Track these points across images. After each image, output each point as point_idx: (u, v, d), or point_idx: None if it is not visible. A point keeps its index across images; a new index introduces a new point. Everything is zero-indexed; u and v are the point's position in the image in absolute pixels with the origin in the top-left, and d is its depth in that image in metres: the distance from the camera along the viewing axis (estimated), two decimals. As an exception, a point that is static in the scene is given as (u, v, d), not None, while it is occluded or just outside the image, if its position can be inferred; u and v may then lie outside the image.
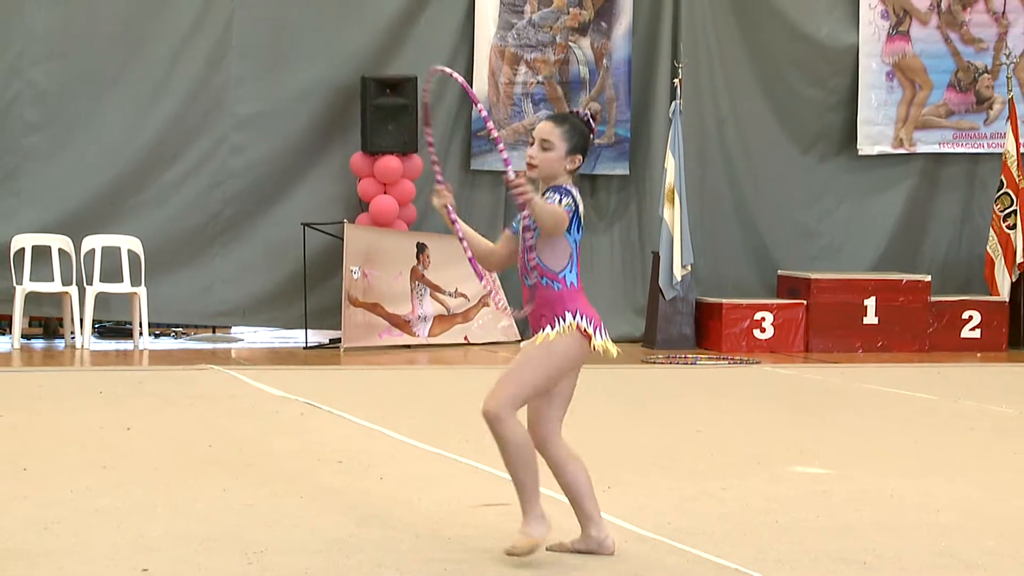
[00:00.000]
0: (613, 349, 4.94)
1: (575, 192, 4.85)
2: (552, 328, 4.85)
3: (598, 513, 4.92)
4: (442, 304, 12.95)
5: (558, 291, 4.87)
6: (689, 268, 12.82)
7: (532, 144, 4.91)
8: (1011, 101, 13.75)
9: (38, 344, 12.76)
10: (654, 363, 11.84)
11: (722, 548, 5.08)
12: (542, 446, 4.90)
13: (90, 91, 12.67)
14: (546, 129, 4.89)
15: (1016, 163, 13.46)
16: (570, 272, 4.87)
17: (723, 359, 12.20)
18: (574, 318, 4.84)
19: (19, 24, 12.55)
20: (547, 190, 4.86)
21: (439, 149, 13.38)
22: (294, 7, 13.05)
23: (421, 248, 12.89)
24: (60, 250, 12.46)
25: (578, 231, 4.86)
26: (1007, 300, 13.37)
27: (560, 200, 4.78)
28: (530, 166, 4.89)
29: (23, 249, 12.34)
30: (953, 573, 4.83)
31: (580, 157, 4.88)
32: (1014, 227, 13.37)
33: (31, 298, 12.40)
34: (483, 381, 10.28)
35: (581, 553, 4.88)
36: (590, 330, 4.86)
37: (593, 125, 4.94)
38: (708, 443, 7.55)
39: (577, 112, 4.97)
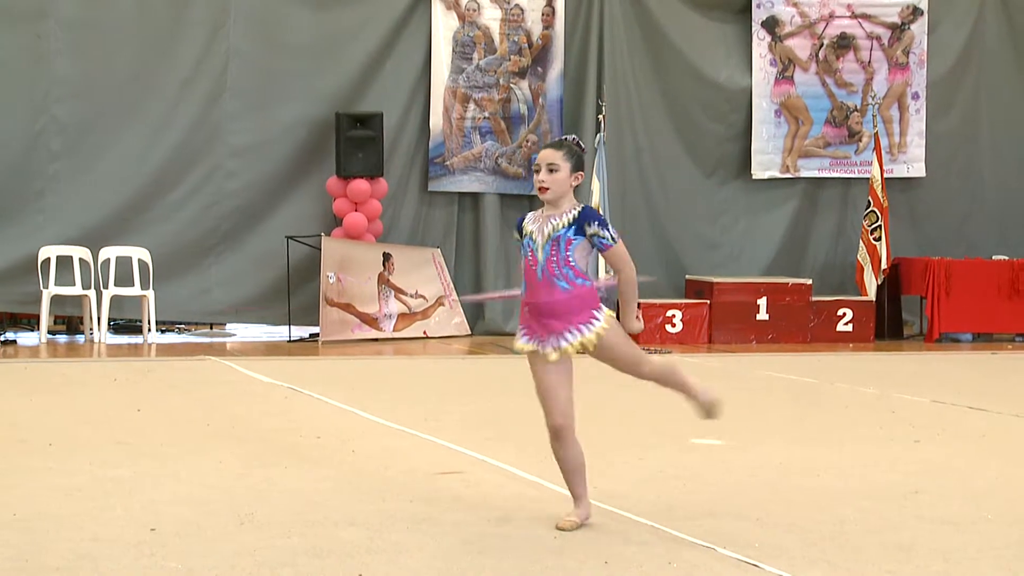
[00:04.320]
0: None
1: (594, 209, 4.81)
2: (598, 321, 4.72)
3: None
4: (405, 304, 12.91)
5: (590, 287, 4.77)
6: (612, 274, 12.81)
7: (539, 171, 4.76)
8: (876, 135, 13.89)
9: (62, 339, 12.63)
10: (581, 354, 11.83)
11: (639, 507, 5.09)
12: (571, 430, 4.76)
13: (106, 125, 12.58)
14: (549, 155, 4.77)
15: (880, 186, 13.58)
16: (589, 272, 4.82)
17: (640, 349, 12.20)
18: (604, 308, 4.78)
19: (47, 69, 12.45)
20: (579, 222, 4.69)
21: (402, 174, 13.42)
22: (279, 55, 13.01)
23: (387, 257, 12.86)
24: (80, 259, 12.36)
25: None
26: (874, 300, 13.49)
27: (611, 233, 4.73)
28: (542, 189, 4.76)
29: (49, 259, 12.24)
30: (830, 527, 4.86)
31: (581, 174, 4.80)
32: (879, 239, 13.49)
33: (56, 300, 12.28)
34: (440, 368, 10.31)
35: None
36: (612, 313, 4.79)
37: (583, 146, 4.88)
38: (628, 419, 7.57)
39: (566, 138, 4.87)
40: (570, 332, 4.72)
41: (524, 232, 4.83)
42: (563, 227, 4.74)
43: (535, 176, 4.80)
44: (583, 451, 4.87)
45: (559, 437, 4.78)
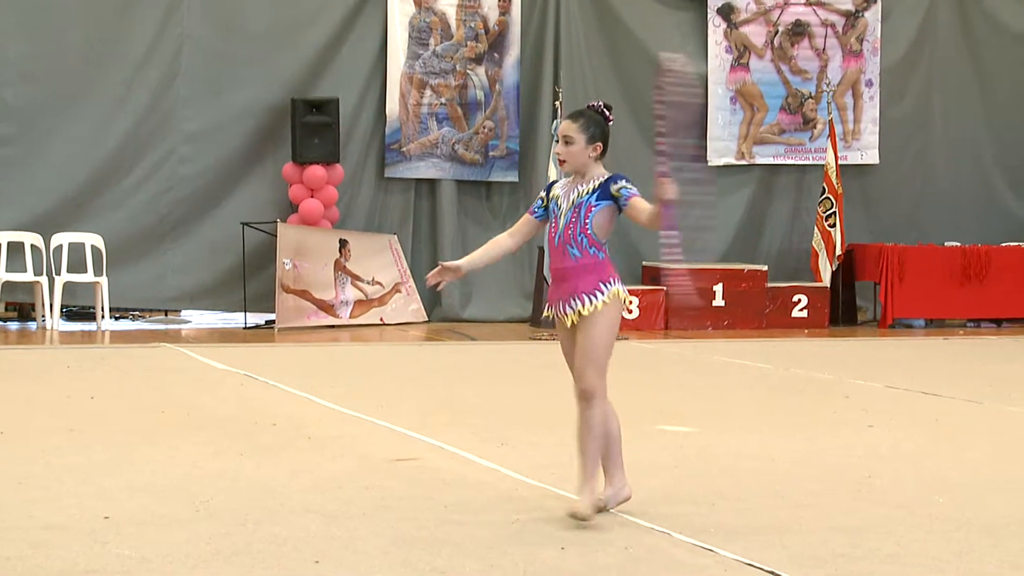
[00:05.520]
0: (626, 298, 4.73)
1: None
2: (602, 294, 4.63)
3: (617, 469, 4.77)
4: (361, 291, 12.88)
5: (602, 259, 4.69)
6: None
7: (559, 143, 4.78)
8: (831, 122, 13.96)
9: (13, 326, 12.50)
10: (539, 339, 11.86)
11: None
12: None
13: (57, 109, 12.44)
14: (566, 126, 4.75)
15: (835, 173, 13.67)
16: (606, 245, 4.73)
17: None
18: (615, 285, 4.66)
19: (-6, 52, 12.29)
20: (606, 183, 4.66)
21: (358, 160, 13.37)
22: (233, 39, 12.91)
23: (343, 243, 12.81)
24: (32, 246, 12.23)
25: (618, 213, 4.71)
26: (828, 286, 13.57)
27: (628, 185, 4.66)
28: (561, 162, 4.77)
29: (0, 245, 12.09)
30: (784, 510, 4.90)
31: (600, 144, 4.73)
32: (834, 226, 13.58)
33: (7, 287, 12.15)
34: (396, 355, 10.30)
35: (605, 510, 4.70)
36: (625, 294, 4.71)
37: (608, 114, 4.77)
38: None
39: (592, 105, 4.80)
40: (575, 299, 4.67)
41: (551, 196, 4.80)
42: (587, 194, 4.71)
43: (555, 148, 4.83)
44: (618, 422, 4.75)
45: (581, 400, 4.70)
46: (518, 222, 4.94)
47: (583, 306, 4.65)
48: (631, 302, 4.80)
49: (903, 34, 14.64)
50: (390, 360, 10.00)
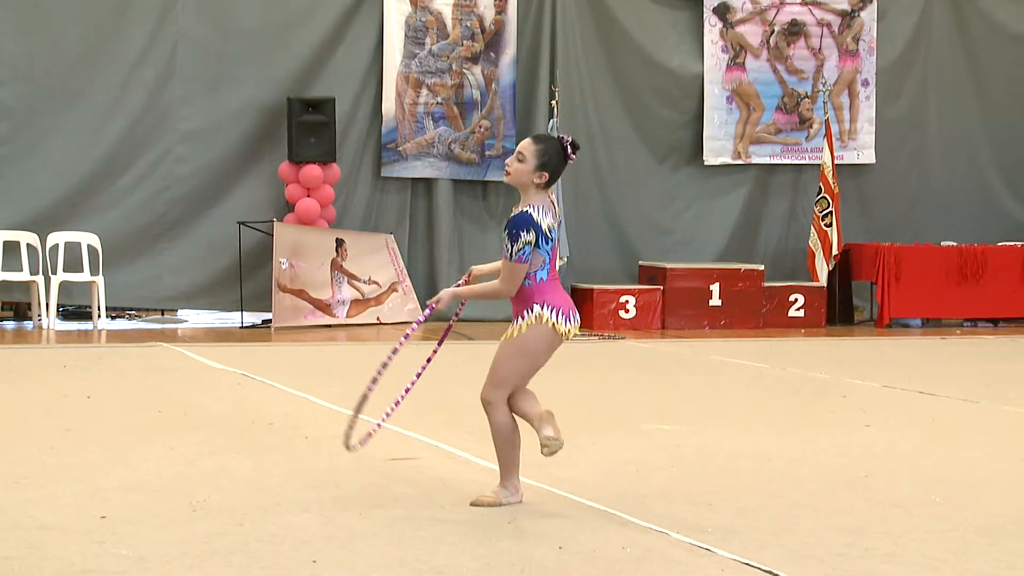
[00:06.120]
0: (573, 332, 4.81)
1: (534, 216, 4.69)
2: (523, 319, 4.76)
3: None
4: (358, 290, 12.88)
5: (529, 287, 4.76)
6: (565, 260, 12.86)
7: (512, 155, 4.85)
8: (827, 121, 13.98)
9: (9, 325, 12.49)
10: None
11: (592, 492, 5.11)
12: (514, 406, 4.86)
13: (53, 109, 12.43)
14: (525, 145, 4.82)
15: (831, 172, 13.68)
16: (542, 270, 4.76)
17: (594, 335, 12.27)
18: (541, 309, 4.75)
19: (-11, 51, 12.29)
20: (506, 226, 4.73)
21: (354, 160, 13.36)
22: (229, 38, 12.91)
23: (339, 243, 12.81)
24: (28, 245, 12.22)
25: (547, 243, 4.72)
26: (825, 285, 13.58)
27: (512, 249, 4.68)
28: (506, 172, 4.83)
29: (-5, 244, 12.10)
30: (781, 509, 4.90)
31: (547, 175, 4.75)
32: (830, 225, 13.59)
33: (3, 286, 12.14)
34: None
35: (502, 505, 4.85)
36: (552, 318, 4.75)
37: (570, 151, 4.79)
38: (582, 405, 7.59)
39: (561, 137, 4.84)
40: (513, 320, 4.85)
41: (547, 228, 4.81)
42: (503, 242, 4.80)
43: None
44: (516, 427, 4.88)
45: (484, 407, 4.88)
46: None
47: (513, 325, 4.81)
48: (566, 334, 4.85)
49: (899, 34, 14.66)
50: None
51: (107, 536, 4.35)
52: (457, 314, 5.24)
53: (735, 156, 14.28)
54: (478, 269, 5.07)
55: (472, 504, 4.85)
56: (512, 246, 4.70)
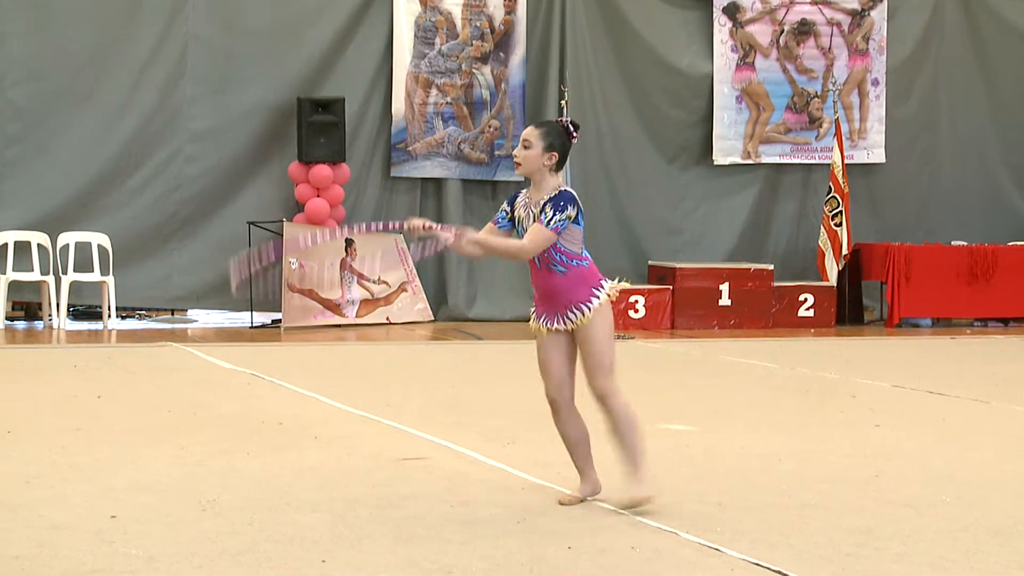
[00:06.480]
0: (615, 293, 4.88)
1: (572, 194, 4.79)
2: (596, 299, 4.78)
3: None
4: (367, 290, 12.88)
5: (587, 267, 4.81)
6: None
7: (518, 146, 4.88)
8: (837, 121, 13.96)
9: (20, 325, 12.52)
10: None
11: (602, 492, 5.09)
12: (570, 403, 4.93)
13: (64, 109, 12.46)
14: (528, 131, 4.88)
15: (841, 172, 13.66)
16: (585, 250, 4.84)
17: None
18: (604, 290, 4.81)
19: (2, 52, 12.30)
20: (545, 203, 4.74)
21: (364, 160, 13.37)
22: (239, 39, 12.92)
23: (349, 243, 12.82)
24: (39, 245, 12.25)
25: (583, 220, 4.81)
26: (835, 285, 13.56)
27: (554, 217, 4.70)
28: (516, 164, 4.86)
29: (6, 244, 12.13)
30: (791, 509, 4.90)
31: (556, 154, 4.81)
32: (840, 225, 13.57)
33: (14, 286, 12.17)
34: (402, 354, 10.30)
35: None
36: (612, 291, 4.83)
37: (572, 130, 4.86)
38: (591, 405, 7.57)
39: (559, 120, 4.93)
40: (571, 311, 4.81)
41: (515, 216, 4.86)
42: (540, 211, 4.79)
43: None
44: (586, 426, 4.94)
45: (554, 411, 4.92)
46: (483, 230, 4.93)
47: (582, 316, 4.79)
48: (619, 292, 4.88)
49: (909, 33, 14.63)
50: (396, 359, 10.00)
51: (117, 535, 4.36)
52: (427, 250, 5.04)
53: (745, 156, 14.26)
54: (472, 233, 4.98)
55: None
56: (555, 215, 4.71)
